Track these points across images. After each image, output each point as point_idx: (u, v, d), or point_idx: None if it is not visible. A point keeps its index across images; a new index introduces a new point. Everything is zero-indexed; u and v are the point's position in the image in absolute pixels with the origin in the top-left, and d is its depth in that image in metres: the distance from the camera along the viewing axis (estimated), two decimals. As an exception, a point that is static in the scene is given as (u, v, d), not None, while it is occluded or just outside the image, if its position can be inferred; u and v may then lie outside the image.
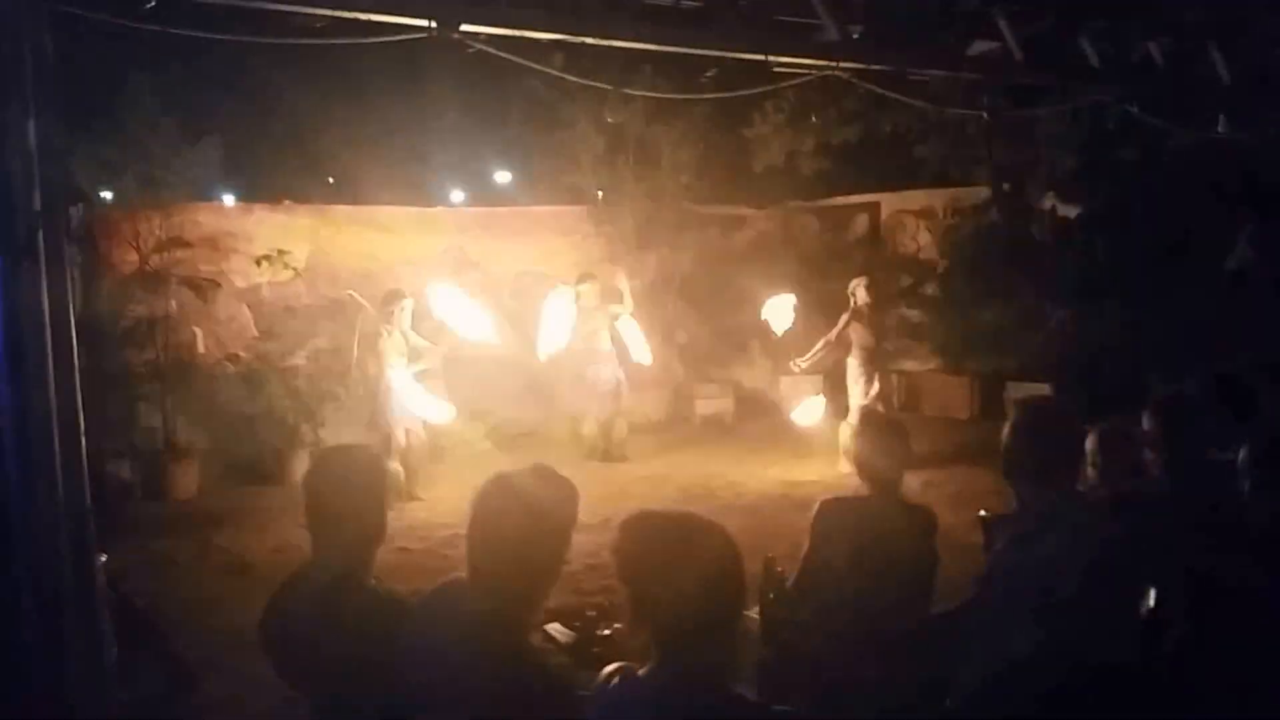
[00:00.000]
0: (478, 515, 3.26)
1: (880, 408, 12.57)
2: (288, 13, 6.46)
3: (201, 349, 13.40)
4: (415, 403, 11.64)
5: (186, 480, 12.45)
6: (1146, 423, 5.31)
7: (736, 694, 2.87)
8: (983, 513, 6.10)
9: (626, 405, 14.25)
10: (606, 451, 13.99)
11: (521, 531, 3.21)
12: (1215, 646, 4.48)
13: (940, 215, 17.93)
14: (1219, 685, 4.34)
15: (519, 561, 3.19)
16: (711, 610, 2.85)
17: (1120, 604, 4.35)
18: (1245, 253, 13.63)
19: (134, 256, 12.69)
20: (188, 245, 12.99)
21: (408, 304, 11.74)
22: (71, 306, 5.63)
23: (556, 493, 3.37)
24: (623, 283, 14.00)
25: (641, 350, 13.85)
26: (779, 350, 16.86)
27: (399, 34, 6.71)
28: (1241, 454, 4.92)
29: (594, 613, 4.96)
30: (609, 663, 3.08)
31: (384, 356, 11.52)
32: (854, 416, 12.39)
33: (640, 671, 2.92)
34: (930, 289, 17.34)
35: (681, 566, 2.83)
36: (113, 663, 5.97)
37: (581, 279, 13.94)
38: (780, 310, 13.23)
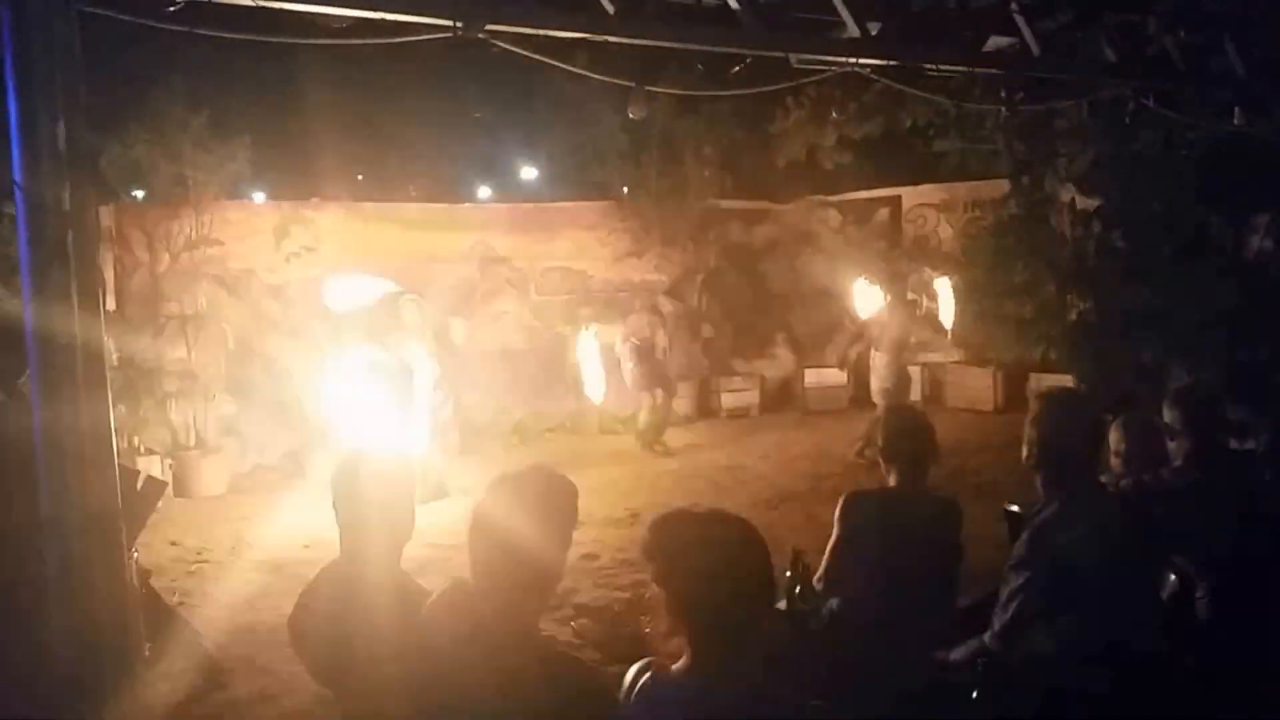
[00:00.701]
0: (478, 516, 3.24)
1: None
2: (314, 13, 6.51)
3: (231, 345, 13.47)
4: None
5: (216, 477, 12.52)
6: (1167, 413, 5.34)
7: (770, 689, 2.89)
8: (1007, 504, 6.14)
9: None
10: (659, 439, 14.25)
11: (521, 531, 3.19)
12: (1238, 635, 4.51)
13: (961, 208, 17.98)
14: (1242, 673, 4.37)
15: (519, 561, 3.18)
16: (743, 606, 2.87)
17: (1144, 593, 4.37)
18: (1263, 243, 13.65)
19: (165, 254, 12.78)
20: (218, 243, 13.11)
21: (413, 302, 11.71)
22: (102, 305, 5.69)
23: (556, 492, 3.34)
24: None
25: None
26: (803, 342, 16.96)
27: (424, 34, 6.75)
28: (1262, 443, 4.95)
29: (620, 608, 4.99)
30: (638, 658, 3.09)
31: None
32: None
33: (674, 667, 2.93)
34: (952, 281, 17.35)
35: (712, 564, 2.86)
36: (144, 660, 6.03)
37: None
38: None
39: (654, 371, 14.22)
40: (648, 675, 2.98)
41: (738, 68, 8.75)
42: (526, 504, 3.24)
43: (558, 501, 3.32)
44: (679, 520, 3.03)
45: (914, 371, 15.47)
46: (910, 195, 18.78)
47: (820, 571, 5.11)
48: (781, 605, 4.89)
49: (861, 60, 8.21)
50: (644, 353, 14.13)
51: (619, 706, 3.05)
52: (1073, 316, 15.32)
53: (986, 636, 4.45)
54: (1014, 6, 8.78)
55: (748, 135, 17.54)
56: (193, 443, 12.65)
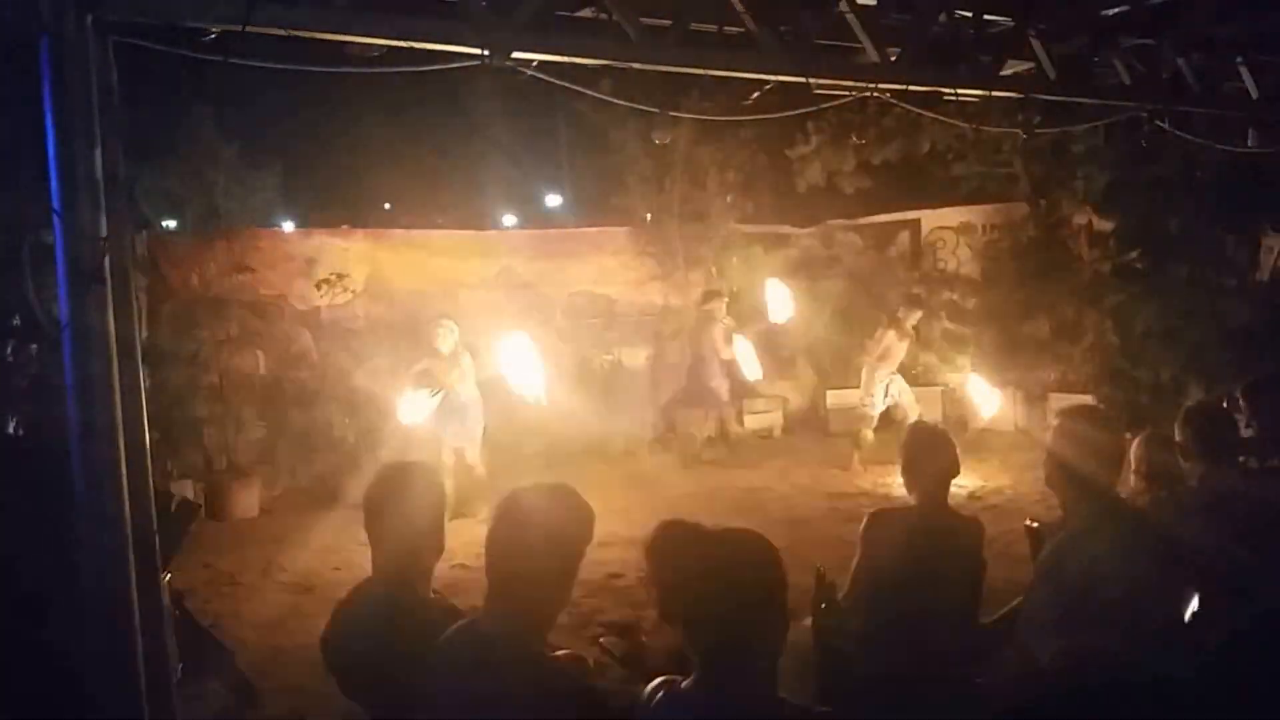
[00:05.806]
0: (492, 528, 3.30)
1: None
2: (344, 43, 6.60)
3: (262, 370, 13.62)
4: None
5: (248, 500, 12.66)
6: (1179, 432, 5.38)
7: (776, 699, 2.92)
8: (1028, 522, 6.18)
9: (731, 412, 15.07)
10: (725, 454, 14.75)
11: (532, 545, 3.24)
12: (1256, 653, 4.54)
13: (979, 231, 18.11)
14: (1261, 693, 4.41)
15: (529, 575, 3.23)
16: (751, 621, 2.90)
17: (1163, 610, 4.40)
18: (1278, 263, 13.76)
19: (197, 282, 12.95)
20: (249, 270, 13.29)
21: (452, 327, 11.83)
22: (137, 330, 5.76)
23: (571, 511, 3.38)
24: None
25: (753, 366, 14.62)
26: (825, 364, 17.03)
27: (452, 62, 6.82)
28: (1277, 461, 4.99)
29: (647, 626, 5.01)
30: (659, 674, 3.12)
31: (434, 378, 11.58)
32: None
33: (683, 683, 2.97)
34: (971, 303, 17.46)
35: (713, 581, 2.92)
36: (177, 680, 6.10)
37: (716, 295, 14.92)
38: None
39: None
40: (662, 692, 3.02)
41: (758, 93, 8.84)
42: (538, 518, 3.29)
43: (569, 517, 3.37)
44: (680, 536, 3.08)
45: (935, 392, 15.68)
46: (930, 218, 18.85)
47: (845, 590, 5.16)
48: (807, 623, 4.92)
49: (881, 85, 8.27)
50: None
51: None
52: (1090, 337, 15.41)
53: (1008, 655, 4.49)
54: (1031, 31, 8.85)
55: (769, 160, 17.63)
56: (225, 466, 12.77)
